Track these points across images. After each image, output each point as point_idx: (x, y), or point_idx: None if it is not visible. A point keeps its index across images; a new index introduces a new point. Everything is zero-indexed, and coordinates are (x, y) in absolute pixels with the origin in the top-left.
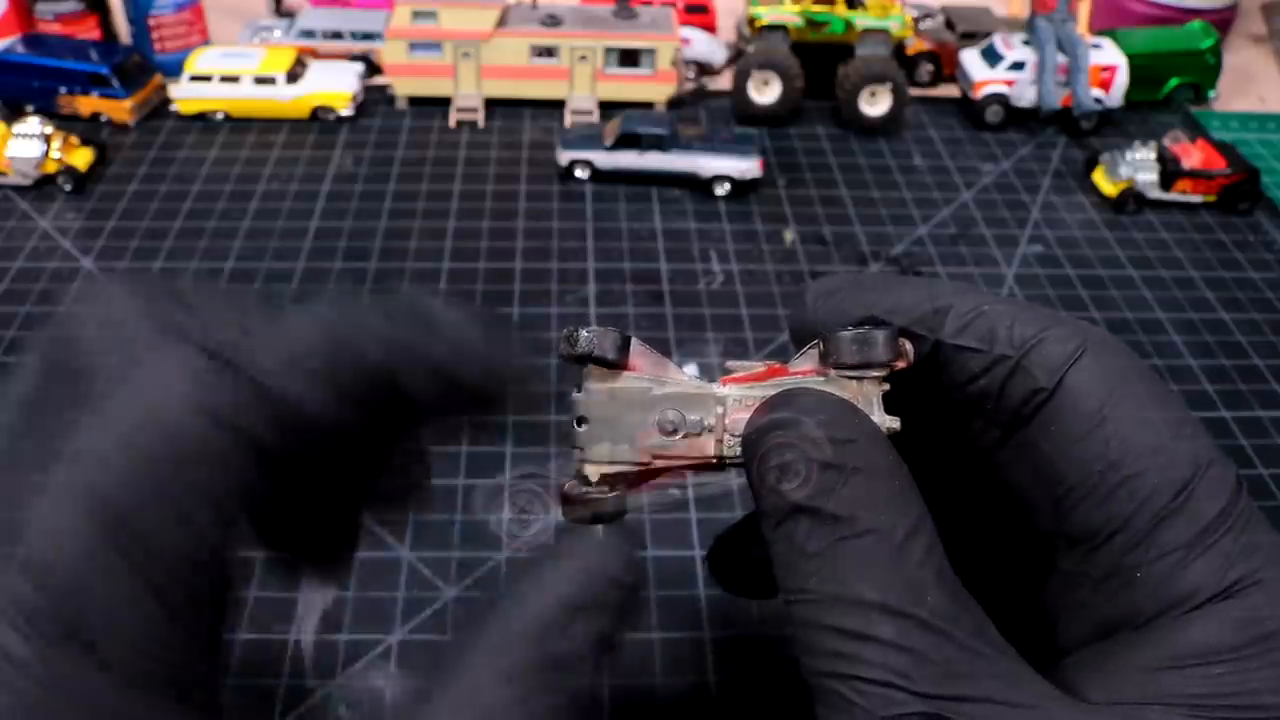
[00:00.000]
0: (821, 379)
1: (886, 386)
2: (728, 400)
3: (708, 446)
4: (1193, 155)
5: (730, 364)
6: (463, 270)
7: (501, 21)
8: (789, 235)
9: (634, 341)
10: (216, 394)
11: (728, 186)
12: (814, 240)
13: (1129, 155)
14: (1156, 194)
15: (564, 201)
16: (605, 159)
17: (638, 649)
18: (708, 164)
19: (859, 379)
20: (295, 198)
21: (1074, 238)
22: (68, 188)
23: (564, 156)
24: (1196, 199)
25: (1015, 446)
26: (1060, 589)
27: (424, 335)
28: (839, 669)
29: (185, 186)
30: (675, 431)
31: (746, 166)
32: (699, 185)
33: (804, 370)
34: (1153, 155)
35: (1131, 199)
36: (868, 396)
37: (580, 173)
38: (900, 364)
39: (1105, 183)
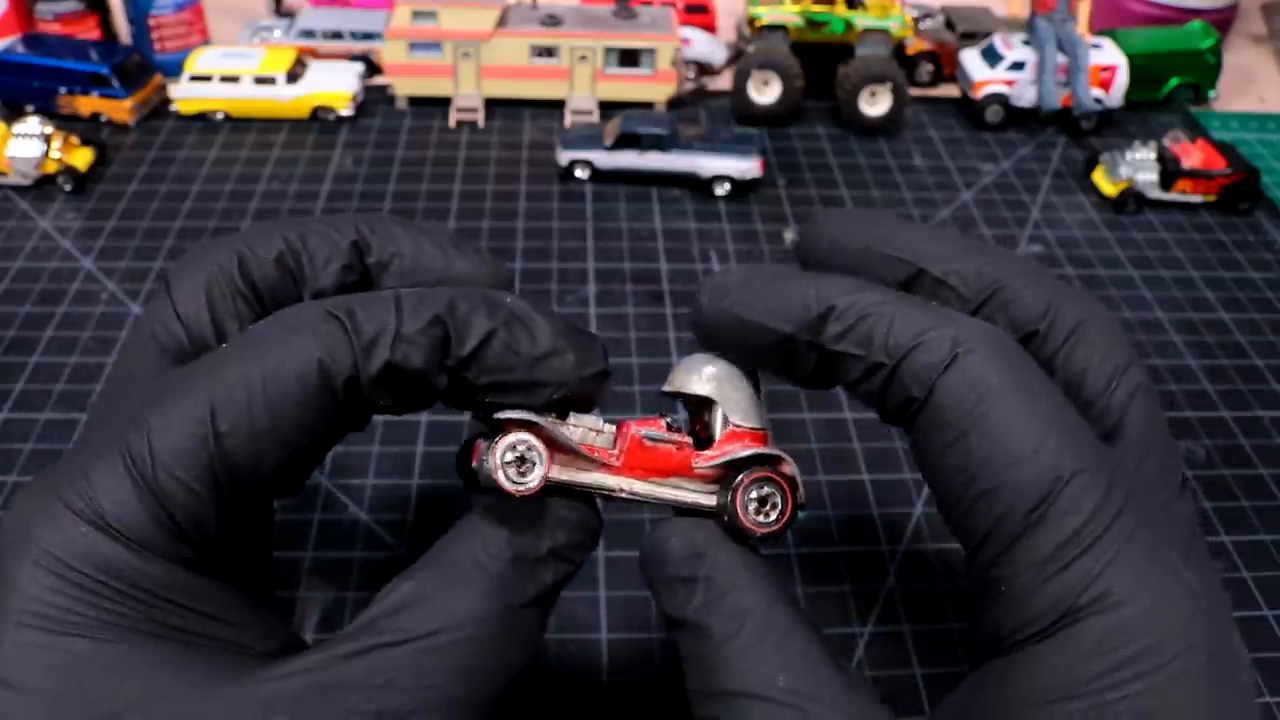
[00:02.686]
0: (713, 497)
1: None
2: (622, 483)
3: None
4: (1193, 155)
5: (651, 430)
6: None
7: (501, 21)
8: (789, 235)
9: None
10: (330, 355)
11: (728, 186)
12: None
13: (1129, 155)
14: (1156, 194)
15: (564, 201)
16: (605, 159)
17: (636, 647)
18: (708, 164)
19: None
20: (295, 198)
21: (1074, 238)
22: (68, 188)
23: (564, 156)
24: (1196, 199)
25: (910, 442)
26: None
27: (526, 337)
28: None
29: (185, 186)
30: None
31: (746, 166)
32: (699, 185)
33: (706, 474)
34: (1153, 155)
35: (1131, 199)
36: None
37: (580, 173)
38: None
39: (1105, 183)
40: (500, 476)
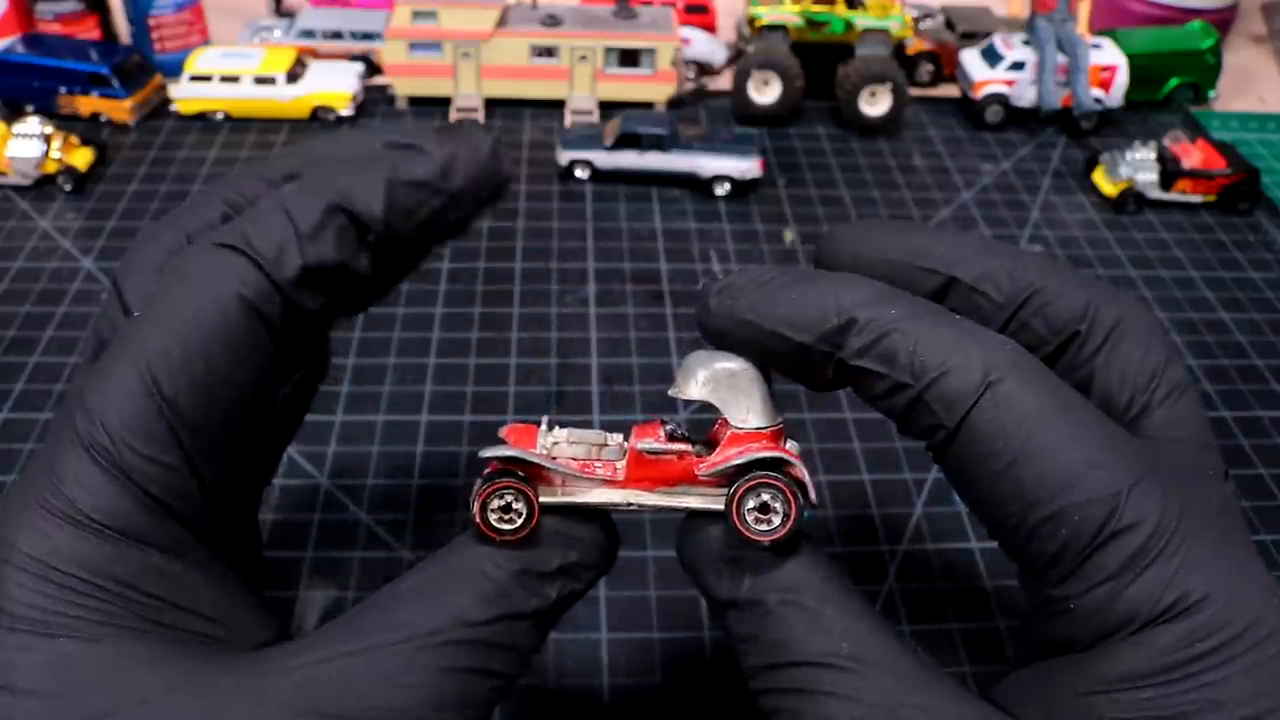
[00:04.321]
0: (720, 502)
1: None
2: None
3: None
4: (1193, 155)
5: (649, 442)
6: (463, 270)
7: (501, 21)
8: (789, 235)
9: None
10: (243, 283)
11: (728, 186)
12: (814, 240)
13: (1129, 155)
14: (1156, 194)
15: (564, 201)
16: (605, 159)
17: (636, 647)
18: (708, 164)
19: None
20: None
21: (1074, 238)
22: (68, 188)
23: (564, 156)
24: (1196, 199)
25: (943, 467)
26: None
27: (422, 164)
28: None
29: (185, 186)
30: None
31: (746, 166)
32: (699, 185)
33: (710, 482)
34: (1153, 155)
35: (1131, 199)
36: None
37: (580, 173)
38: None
39: (1105, 183)
40: (480, 523)
